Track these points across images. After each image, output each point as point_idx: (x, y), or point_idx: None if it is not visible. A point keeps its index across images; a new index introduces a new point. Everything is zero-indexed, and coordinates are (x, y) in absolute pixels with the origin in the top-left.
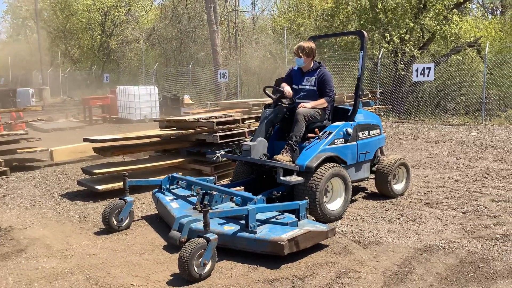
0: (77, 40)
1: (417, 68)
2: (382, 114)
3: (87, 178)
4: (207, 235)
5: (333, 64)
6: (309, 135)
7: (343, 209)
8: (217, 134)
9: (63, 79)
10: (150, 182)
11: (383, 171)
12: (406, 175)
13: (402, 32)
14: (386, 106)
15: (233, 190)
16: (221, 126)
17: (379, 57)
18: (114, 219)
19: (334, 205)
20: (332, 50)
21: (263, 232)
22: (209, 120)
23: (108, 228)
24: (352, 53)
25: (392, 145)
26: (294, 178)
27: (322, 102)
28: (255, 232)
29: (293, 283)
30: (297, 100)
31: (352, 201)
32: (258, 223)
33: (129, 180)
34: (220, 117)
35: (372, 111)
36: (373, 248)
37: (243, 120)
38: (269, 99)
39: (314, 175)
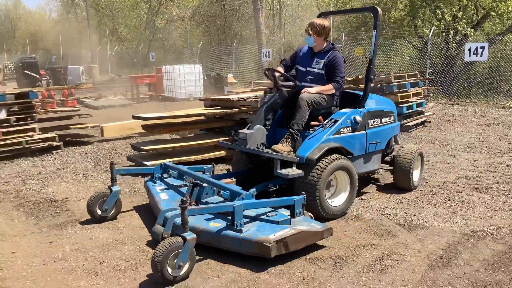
0: (124, 19)
1: (470, 47)
2: (431, 95)
3: (136, 154)
4: (184, 234)
5: (380, 43)
6: (313, 123)
7: (348, 205)
8: None
9: (111, 57)
10: (141, 171)
11: (403, 164)
12: (421, 166)
13: (454, 10)
14: (436, 87)
15: (222, 182)
16: None
17: (430, 36)
18: (98, 208)
19: (337, 201)
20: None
21: (250, 231)
22: (253, 99)
23: (92, 217)
24: (401, 31)
25: (441, 128)
26: (292, 171)
27: (329, 88)
28: (241, 231)
29: (336, 263)
30: (303, 84)
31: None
32: (247, 220)
33: (117, 168)
34: (256, 96)
35: (422, 92)
36: (418, 232)
37: None
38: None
39: (315, 168)
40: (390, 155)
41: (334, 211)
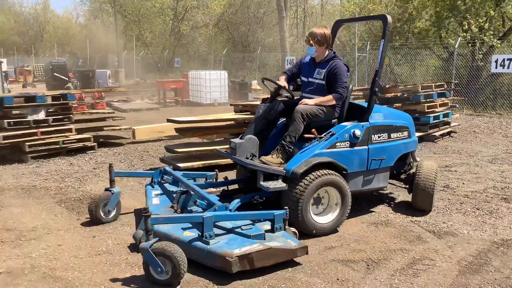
0: (149, 24)
1: (497, 59)
2: (457, 105)
3: (169, 156)
4: (144, 244)
5: (405, 53)
6: (306, 135)
7: (338, 222)
8: None
9: (137, 62)
10: (140, 175)
11: (425, 184)
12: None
13: (481, 21)
14: (461, 98)
15: (203, 191)
16: None
17: (456, 47)
18: (101, 211)
19: (327, 218)
20: (405, 37)
21: (218, 243)
22: None
23: (95, 220)
24: (426, 41)
25: (467, 138)
26: (274, 184)
27: (328, 99)
28: (208, 243)
29: (368, 265)
30: (304, 95)
31: None
32: (224, 232)
33: (116, 171)
34: None
35: (448, 102)
36: (448, 239)
37: None
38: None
39: (300, 183)
40: (406, 173)
41: (321, 228)
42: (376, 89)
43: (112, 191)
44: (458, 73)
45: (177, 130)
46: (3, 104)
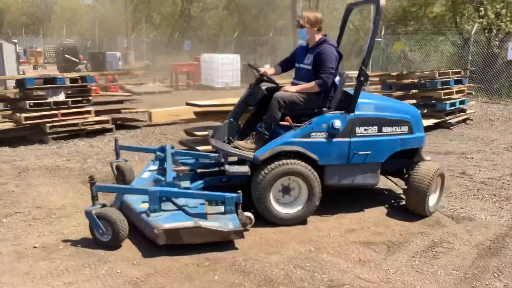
0: (158, 6)
1: None
2: (473, 93)
3: (188, 139)
4: (88, 208)
5: (420, 38)
6: (282, 123)
7: (303, 215)
8: None
9: (146, 44)
10: (143, 150)
11: (419, 185)
12: (440, 188)
13: (498, 7)
14: (477, 85)
15: (169, 168)
16: None
17: (472, 33)
18: (127, 178)
19: (292, 208)
20: (420, 23)
21: (159, 217)
22: None
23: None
24: (441, 27)
25: (483, 126)
26: (236, 169)
27: (310, 86)
28: (149, 215)
29: (389, 247)
30: (294, 81)
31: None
32: (175, 208)
33: (122, 145)
34: None
35: (464, 89)
36: (466, 223)
37: None
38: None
39: (261, 170)
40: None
41: (282, 217)
42: (362, 78)
43: (125, 160)
44: (473, 60)
45: (196, 113)
46: (24, 85)
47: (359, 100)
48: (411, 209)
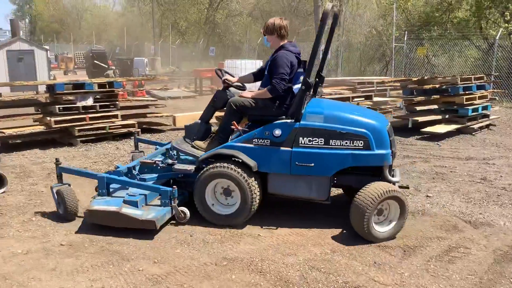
0: (185, 13)
1: None
2: (496, 98)
3: None
4: (53, 185)
5: (444, 43)
6: (232, 127)
7: (241, 218)
8: None
9: (172, 50)
10: (157, 144)
11: (359, 205)
12: (399, 214)
13: None
14: (501, 90)
15: (136, 161)
16: None
17: (497, 38)
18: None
19: (229, 209)
20: (443, 28)
21: (102, 200)
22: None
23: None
24: (465, 32)
25: (506, 132)
26: (181, 166)
27: (262, 92)
28: (94, 198)
29: (405, 251)
30: (260, 88)
31: (458, 183)
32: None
33: (138, 137)
34: (331, 94)
35: (487, 95)
36: (484, 229)
37: (353, 98)
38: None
39: (201, 170)
40: None
41: (220, 218)
42: (303, 87)
43: (142, 151)
44: (498, 65)
45: (217, 118)
46: (55, 90)
47: (307, 110)
48: (355, 229)
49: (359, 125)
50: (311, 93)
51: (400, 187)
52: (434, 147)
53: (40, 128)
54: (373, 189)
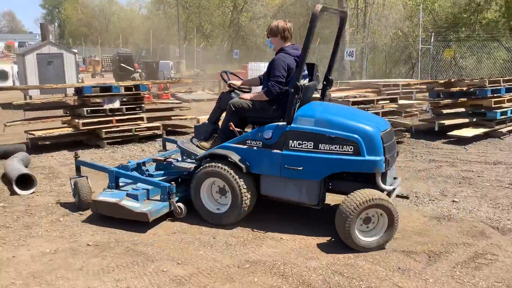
0: (209, 16)
1: None
2: None
3: None
4: (71, 176)
5: (472, 45)
6: (231, 128)
7: (228, 218)
8: None
9: (197, 53)
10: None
11: (342, 210)
12: (388, 224)
13: None
14: None
15: (148, 158)
16: (356, 106)
17: None
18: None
19: (222, 208)
20: (471, 29)
21: (109, 192)
22: (344, 99)
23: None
24: (494, 33)
25: None
26: (181, 165)
27: (259, 94)
28: (103, 190)
29: (430, 257)
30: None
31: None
32: (131, 188)
33: (166, 137)
34: (355, 97)
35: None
36: None
37: (377, 100)
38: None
39: (198, 168)
40: None
41: (214, 216)
42: (292, 90)
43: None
44: None
45: None
46: (83, 93)
47: (299, 113)
48: (339, 235)
49: (350, 130)
50: (301, 96)
51: (399, 196)
52: (461, 151)
53: (69, 130)
54: (358, 196)
